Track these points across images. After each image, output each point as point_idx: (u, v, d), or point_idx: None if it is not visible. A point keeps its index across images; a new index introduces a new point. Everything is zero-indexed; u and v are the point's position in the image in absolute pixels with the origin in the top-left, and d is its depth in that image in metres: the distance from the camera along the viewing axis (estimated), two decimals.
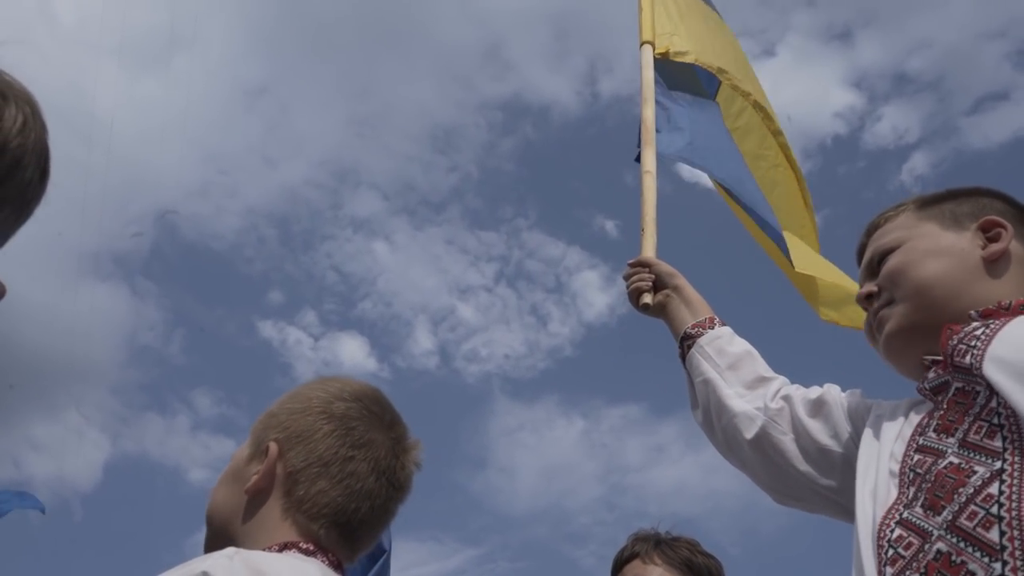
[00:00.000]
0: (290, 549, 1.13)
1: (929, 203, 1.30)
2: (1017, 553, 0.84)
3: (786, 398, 1.46)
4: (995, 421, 0.98)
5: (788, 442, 1.41)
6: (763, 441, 1.44)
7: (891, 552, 0.98)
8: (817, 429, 1.39)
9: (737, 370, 1.55)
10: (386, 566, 3.14)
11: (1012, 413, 0.96)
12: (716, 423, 1.54)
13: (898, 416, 1.19)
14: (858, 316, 2.53)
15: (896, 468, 1.08)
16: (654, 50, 2.63)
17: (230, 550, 1.04)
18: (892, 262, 1.26)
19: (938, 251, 1.22)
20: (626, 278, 1.83)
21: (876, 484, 1.09)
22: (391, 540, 3.19)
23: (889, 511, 1.03)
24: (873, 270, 1.31)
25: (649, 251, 1.95)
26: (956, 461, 0.98)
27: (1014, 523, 0.86)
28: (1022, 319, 1.08)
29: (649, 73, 2.52)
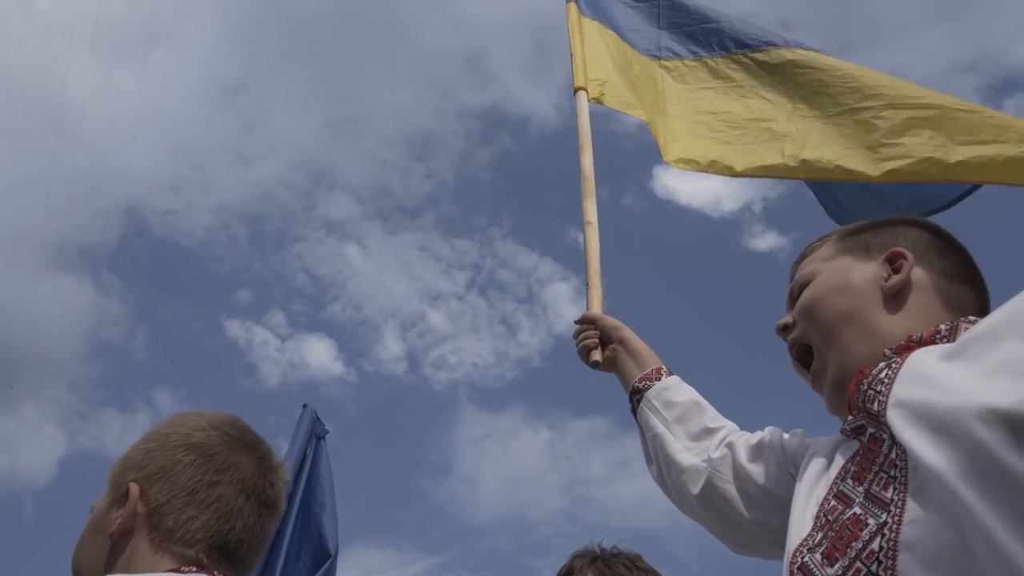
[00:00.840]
0: (175, 575, 1.12)
1: (849, 234, 1.30)
2: None
3: (729, 445, 1.47)
4: (891, 473, 0.96)
5: (732, 490, 1.42)
6: (710, 492, 1.45)
7: None
8: (759, 473, 1.40)
9: (684, 423, 1.56)
10: (331, 571, 3.12)
11: (906, 463, 0.93)
12: (667, 478, 1.55)
13: (828, 455, 1.18)
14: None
15: (815, 511, 1.07)
16: (588, 95, 2.66)
17: None
18: (804, 297, 1.26)
19: (843, 287, 1.22)
20: (575, 336, 1.85)
21: (801, 526, 1.08)
22: (337, 546, 3.19)
23: (794, 554, 1.03)
24: (792, 300, 1.31)
25: (595, 306, 1.96)
26: (858, 512, 0.97)
27: None
28: (918, 353, 1.06)
29: (585, 119, 2.53)
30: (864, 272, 1.22)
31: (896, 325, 1.15)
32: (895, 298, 1.18)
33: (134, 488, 1.18)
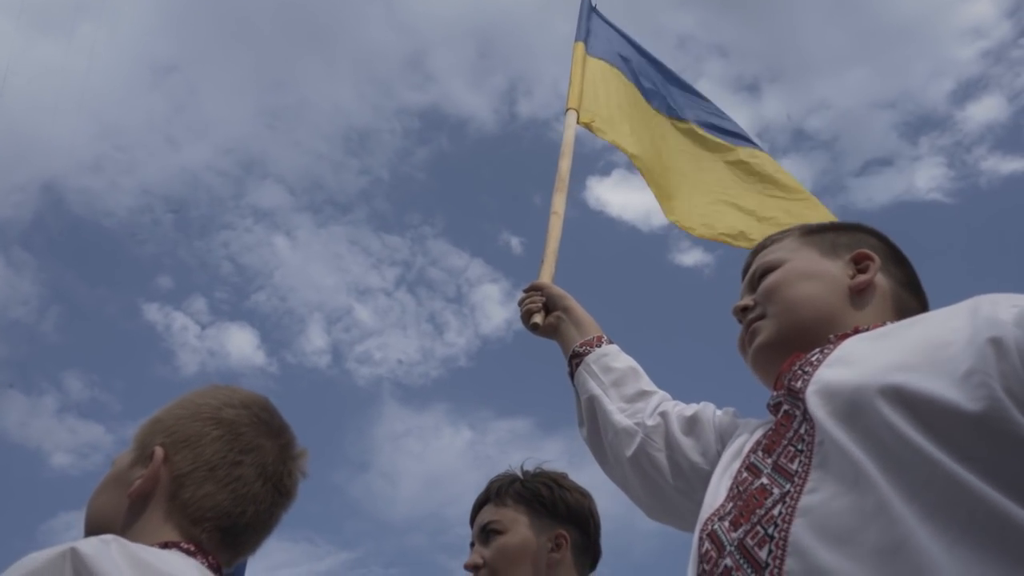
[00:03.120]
0: (171, 548, 1.11)
1: (813, 231, 1.37)
2: (775, 571, 0.88)
3: (663, 415, 1.49)
4: (799, 447, 1.00)
5: (663, 458, 1.45)
6: (641, 457, 1.46)
7: (700, 567, 1.02)
8: (689, 447, 1.43)
9: (620, 386, 1.59)
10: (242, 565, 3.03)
11: (813, 438, 0.98)
12: (603, 439, 1.57)
13: (750, 432, 1.21)
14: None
15: (729, 483, 1.10)
16: (578, 118, 2.79)
17: (107, 536, 1.01)
18: (770, 279, 1.31)
19: (812, 274, 1.28)
20: (520, 302, 1.89)
21: (715, 497, 1.11)
22: None
23: (706, 522, 1.06)
24: (753, 285, 1.36)
25: (545, 277, 2.01)
26: (765, 482, 1.00)
27: (780, 543, 0.90)
28: (851, 339, 1.12)
29: (570, 133, 2.65)
30: (830, 267, 1.28)
31: (852, 318, 1.21)
32: (858, 296, 1.24)
33: (159, 452, 1.18)
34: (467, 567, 1.72)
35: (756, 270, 1.36)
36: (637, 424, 1.50)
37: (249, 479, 1.19)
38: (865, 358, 1.02)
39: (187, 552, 1.11)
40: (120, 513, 1.17)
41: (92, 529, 1.18)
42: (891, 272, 1.29)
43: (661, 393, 1.58)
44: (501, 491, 1.78)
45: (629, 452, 1.48)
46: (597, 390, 1.60)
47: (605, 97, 3.04)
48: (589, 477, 1.63)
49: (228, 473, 1.18)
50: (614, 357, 1.65)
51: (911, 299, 1.29)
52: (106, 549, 0.96)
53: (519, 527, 1.72)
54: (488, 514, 1.77)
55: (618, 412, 1.54)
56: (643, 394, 1.56)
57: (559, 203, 2.30)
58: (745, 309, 1.34)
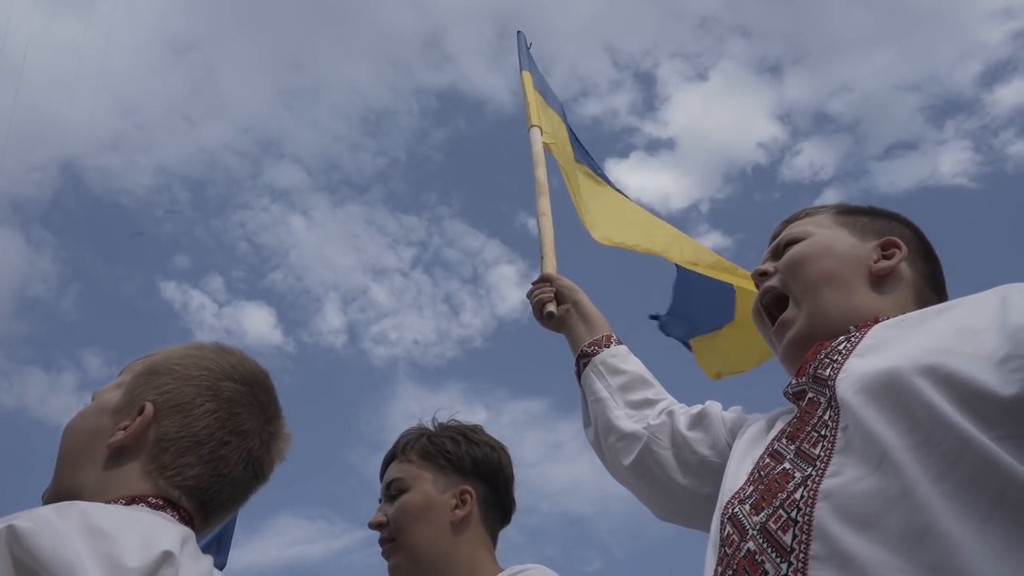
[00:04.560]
0: (138, 503, 1.07)
1: (849, 212, 1.38)
2: (801, 555, 0.87)
3: (669, 414, 1.50)
4: (822, 432, 1.00)
5: (669, 456, 1.43)
6: (645, 458, 1.45)
7: (722, 551, 1.00)
8: (697, 440, 1.42)
9: (627, 392, 1.58)
10: (231, 525, 3.03)
11: (837, 424, 0.98)
12: (603, 442, 1.56)
13: (768, 421, 1.22)
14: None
15: (750, 468, 1.10)
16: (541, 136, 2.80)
17: (65, 505, 0.95)
18: (795, 250, 1.31)
19: (836, 252, 1.28)
20: (529, 295, 1.87)
21: (735, 481, 1.10)
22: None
23: (727, 505, 1.05)
24: (778, 252, 1.36)
25: (550, 270, 1.98)
26: (788, 467, 1.00)
27: (804, 527, 0.89)
28: (877, 328, 1.12)
29: (538, 148, 2.67)
30: (857, 248, 1.28)
31: (871, 304, 1.22)
32: (879, 281, 1.25)
33: (149, 409, 1.13)
34: (371, 525, 1.66)
35: (783, 239, 1.36)
36: (643, 428, 1.49)
37: (232, 461, 1.15)
38: (897, 343, 1.03)
39: (154, 507, 1.07)
40: (97, 459, 1.11)
41: (64, 459, 1.14)
42: (917, 265, 1.29)
43: (668, 399, 1.57)
44: (407, 447, 1.70)
45: (630, 459, 1.48)
46: (603, 393, 1.59)
47: (553, 127, 3.08)
48: None
49: (213, 451, 1.13)
50: (622, 359, 1.65)
51: (932, 295, 1.28)
52: (54, 521, 0.88)
53: (422, 484, 1.64)
54: (393, 471, 1.69)
55: (624, 418, 1.54)
56: (649, 402, 1.56)
57: (544, 206, 2.30)
58: (764, 274, 1.34)
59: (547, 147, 2.87)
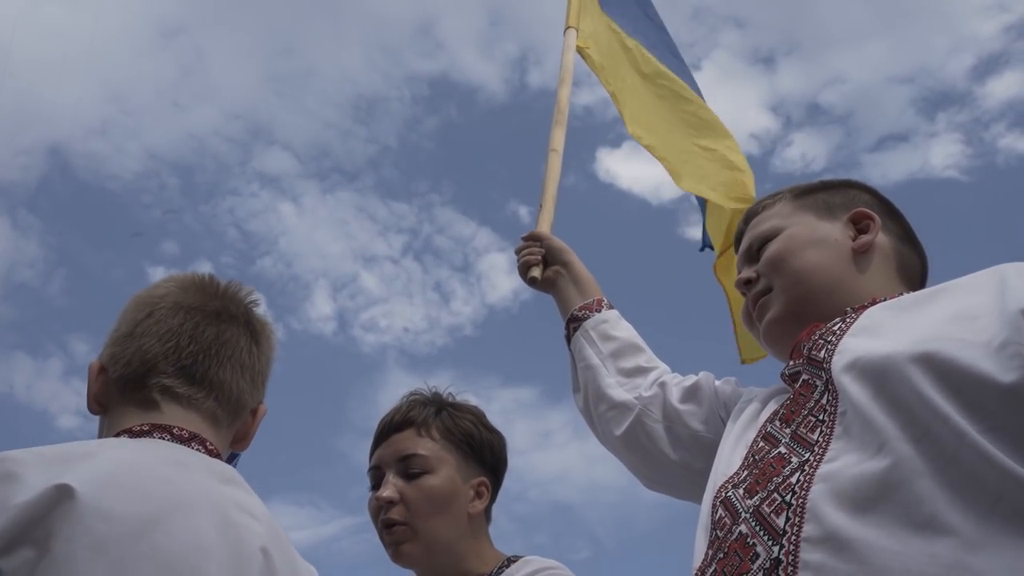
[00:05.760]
0: (121, 436, 1.09)
1: (804, 193, 1.32)
2: (793, 538, 0.86)
3: (661, 385, 1.46)
4: (820, 417, 0.98)
5: (660, 429, 1.42)
6: (636, 430, 1.44)
7: (713, 534, 1.00)
8: (689, 414, 1.40)
9: (618, 359, 1.54)
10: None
11: (836, 408, 0.97)
12: (594, 410, 1.53)
13: (762, 402, 1.19)
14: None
15: (743, 452, 1.08)
16: (577, 37, 2.63)
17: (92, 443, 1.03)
18: (772, 249, 1.26)
19: (815, 241, 1.24)
20: (518, 252, 1.77)
21: (729, 465, 1.09)
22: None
23: (719, 489, 1.04)
24: (752, 256, 1.31)
25: (544, 227, 1.87)
26: (783, 451, 0.99)
27: (798, 510, 0.88)
28: (872, 309, 1.10)
29: (570, 56, 2.49)
30: (831, 230, 1.25)
31: (862, 284, 1.19)
32: (861, 256, 1.22)
33: (94, 366, 1.15)
34: (382, 500, 1.47)
35: (754, 240, 1.31)
36: (635, 398, 1.46)
37: (162, 317, 1.14)
38: (892, 328, 1.01)
39: (136, 434, 1.08)
40: (99, 416, 1.18)
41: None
42: (889, 228, 1.27)
43: (661, 367, 1.53)
44: (427, 420, 1.55)
45: (621, 429, 1.45)
46: (595, 359, 1.55)
47: (594, 19, 2.88)
48: (593, 448, 1.58)
49: (144, 328, 1.13)
50: (614, 324, 1.59)
51: (911, 253, 1.27)
52: (35, 451, 0.94)
53: (447, 468, 1.51)
54: (413, 444, 1.52)
55: (616, 386, 1.50)
56: (641, 370, 1.52)
57: (558, 139, 2.11)
58: (749, 282, 1.29)
59: (580, 52, 2.71)
